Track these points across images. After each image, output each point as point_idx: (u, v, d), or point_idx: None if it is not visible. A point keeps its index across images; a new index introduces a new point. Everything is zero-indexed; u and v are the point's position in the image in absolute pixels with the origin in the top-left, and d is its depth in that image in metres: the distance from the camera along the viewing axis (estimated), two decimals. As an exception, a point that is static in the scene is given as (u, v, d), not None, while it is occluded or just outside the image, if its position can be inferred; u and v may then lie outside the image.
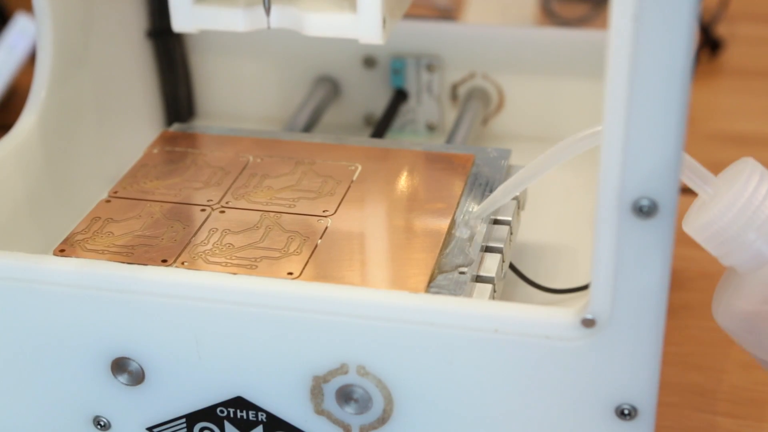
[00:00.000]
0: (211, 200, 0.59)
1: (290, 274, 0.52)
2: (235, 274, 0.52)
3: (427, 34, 0.74)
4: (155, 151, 0.64)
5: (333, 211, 0.57)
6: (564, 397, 0.48)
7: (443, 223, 0.56)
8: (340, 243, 0.55)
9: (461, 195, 0.58)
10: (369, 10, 0.56)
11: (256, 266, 0.53)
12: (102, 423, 0.55)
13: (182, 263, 0.53)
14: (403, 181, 0.60)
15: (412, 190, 0.59)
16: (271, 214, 0.57)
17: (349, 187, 0.60)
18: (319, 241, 0.55)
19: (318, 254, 0.54)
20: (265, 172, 0.61)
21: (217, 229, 0.56)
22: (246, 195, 0.59)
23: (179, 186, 0.60)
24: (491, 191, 0.59)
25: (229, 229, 0.56)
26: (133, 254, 0.54)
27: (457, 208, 0.57)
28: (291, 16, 0.58)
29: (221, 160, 0.63)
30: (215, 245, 0.55)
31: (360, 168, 0.61)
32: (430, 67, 0.75)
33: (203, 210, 0.58)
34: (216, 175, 0.61)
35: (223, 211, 0.58)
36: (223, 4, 0.58)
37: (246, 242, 0.55)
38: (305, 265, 0.53)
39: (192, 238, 0.55)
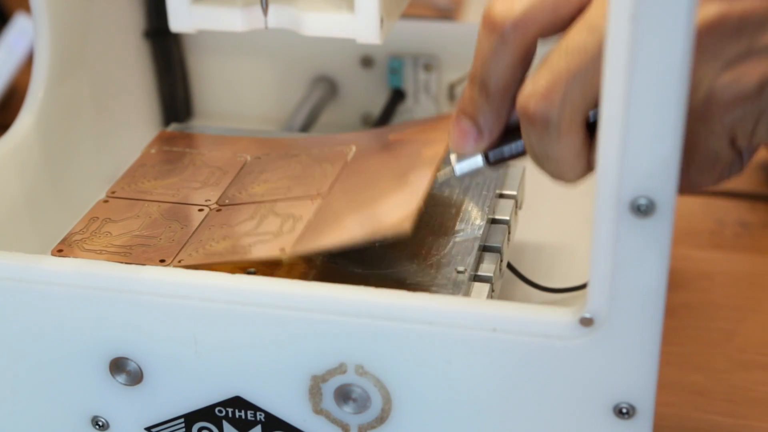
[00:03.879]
0: (209, 200, 0.59)
1: (282, 250, 0.52)
2: (233, 272, 0.52)
3: (425, 34, 0.74)
4: (153, 151, 0.64)
5: (327, 190, 0.57)
6: (562, 396, 0.48)
7: (428, 169, 0.55)
8: (330, 213, 0.55)
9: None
10: (366, 10, 0.56)
11: (251, 251, 0.53)
12: (100, 423, 0.55)
13: (179, 262, 0.53)
14: (394, 147, 0.60)
15: (402, 152, 0.58)
16: (267, 203, 0.57)
17: (344, 166, 0.59)
18: (311, 217, 0.55)
19: (308, 227, 0.54)
20: (262, 169, 0.61)
21: (214, 225, 0.56)
22: (243, 191, 0.59)
23: (177, 186, 0.60)
24: (489, 190, 0.59)
25: (227, 224, 0.56)
26: (131, 254, 0.54)
27: (443, 156, 0.56)
28: (289, 15, 0.58)
29: (219, 159, 0.62)
30: (213, 239, 0.55)
31: (354, 148, 0.61)
32: (428, 67, 0.74)
33: (201, 210, 0.58)
34: (214, 174, 0.61)
35: (219, 210, 0.58)
36: (220, 4, 0.58)
37: (242, 231, 0.55)
38: (296, 239, 0.53)
39: (190, 238, 0.55)
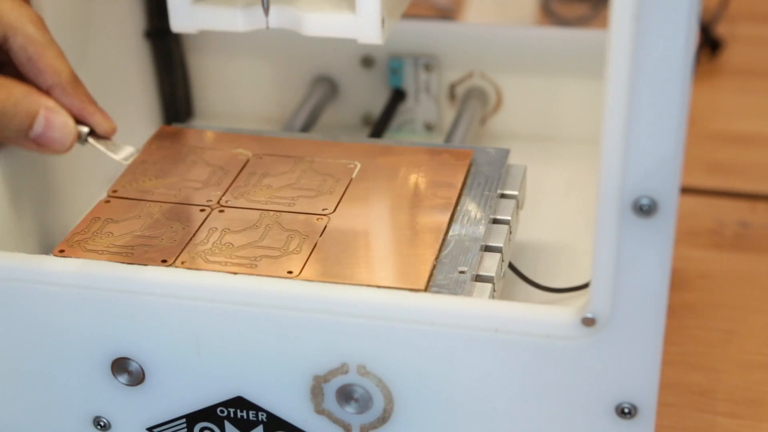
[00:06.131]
0: (211, 200, 0.59)
1: (290, 273, 0.52)
2: (234, 273, 0.52)
3: (425, 34, 0.74)
4: (154, 147, 0.64)
5: (332, 210, 0.57)
6: (564, 396, 0.48)
7: (443, 219, 0.56)
8: (339, 241, 0.55)
9: (461, 190, 0.58)
10: (368, 10, 0.56)
11: (256, 265, 0.53)
12: (102, 423, 0.55)
13: (182, 263, 0.53)
14: (402, 178, 0.60)
15: (411, 187, 0.59)
16: (271, 212, 0.57)
17: (349, 185, 0.60)
18: (319, 239, 0.55)
19: (317, 252, 0.54)
20: (264, 170, 0.61)
21: (216, 228, 0.56)
22: (245, 194, 0.59)
23: (178, 185, 0.60)
24: (490, 190, 0.59)
25: (228, 228, 0.56)
26: (133, 254, 0.54)
27: (456, 203, 0.57)
28: (290, 16, 0.58)
29: (220, 158, 0.62)
30: (215, 244, 0.55)
31: (359, 166, 0.61)
32: (428, 67, 0.75)
33: (202, 210, 0.58)
34: (215, 174, 0.61)
35: (222, 210, 0.58)
36: (221, 4, 0.58)
37: (246, 241, 0.55)
38: (305, 263, 0.53)
39: (192, 238, 0.55)
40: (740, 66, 0.98)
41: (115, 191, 0.60)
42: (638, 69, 0.41)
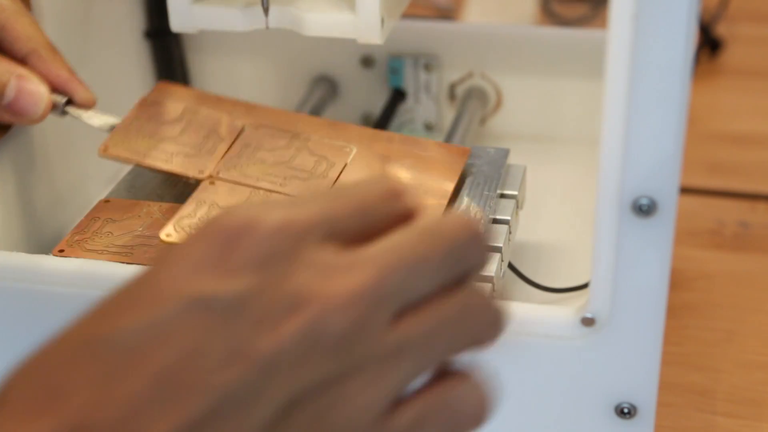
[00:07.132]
0: (202, 171, 0.58)
1: None
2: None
3: (425, 34, 0.74)
4: (149, 102, 0.62)
5: None
6: (564, 396, 0.48)
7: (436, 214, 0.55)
8: None
9: (454, 189, 0.58)
10: (367, 10, 0.56)
11: None
12: (101, 423, 0.55)
13: (167, 236, 0.53)
14: (396, 170, 0.59)
15: (405, 180, 0.59)
16: (261, 191, 0.57)
17: (342, 170, 0.59)
18: None
19: None
20: (258, 143, 0.60)
21: (204, 201, 0.56)
22: (237, 166, 0.58)
23: (171, 150, 0.59)
24: (490, 190, 0.59)
25: (216, 204, 0.55)
26: (133, 254, 0.54)
27: (449, 201, 0.57)
28: (289, 15, 0.58)
29: (215, 121, 0.61)
30: (201, 220, 0.54)
31: (355, 150, 0.61)
32: (428, 67, 0.74)
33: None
34: (210, 139, 0.60)
35: (212, 183, 0.57)
36: (221, 4, 0.58)
37: None
38: None
39: (179, 209, 0.55)
40: (740, 66, 0.98)
41: (106, 148, 0.59)
42: (638, 69, 0.41)
